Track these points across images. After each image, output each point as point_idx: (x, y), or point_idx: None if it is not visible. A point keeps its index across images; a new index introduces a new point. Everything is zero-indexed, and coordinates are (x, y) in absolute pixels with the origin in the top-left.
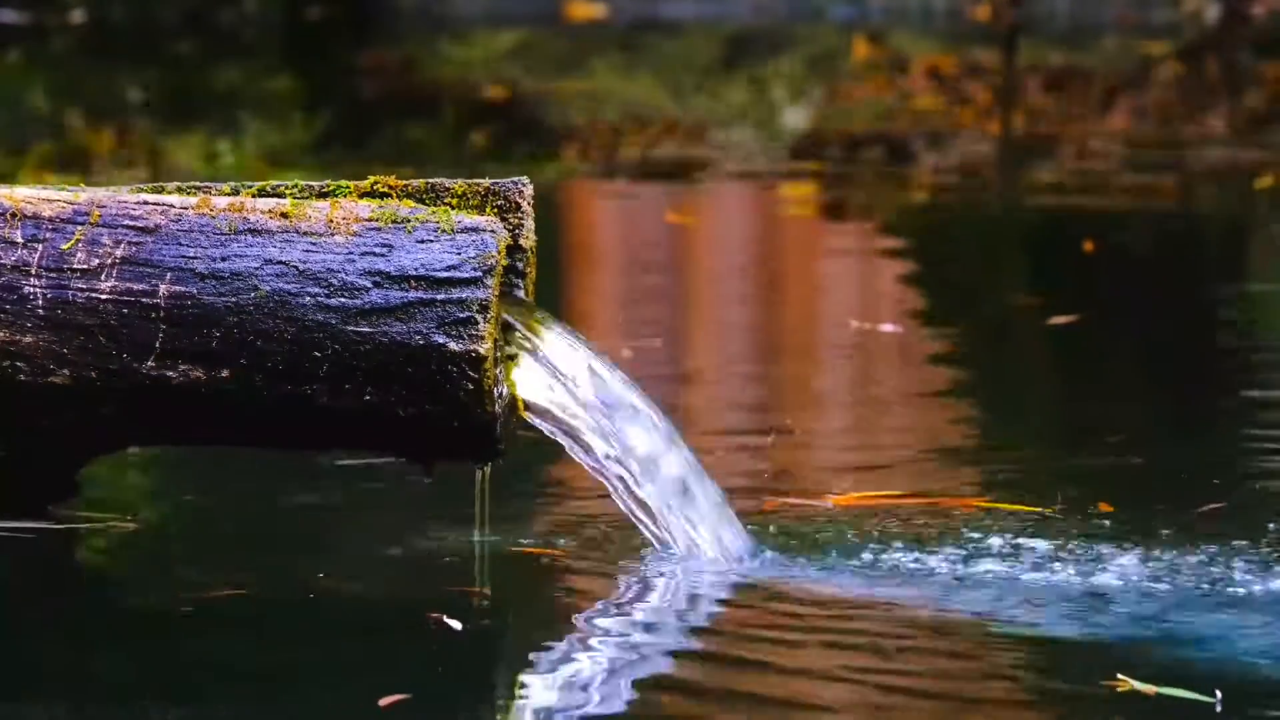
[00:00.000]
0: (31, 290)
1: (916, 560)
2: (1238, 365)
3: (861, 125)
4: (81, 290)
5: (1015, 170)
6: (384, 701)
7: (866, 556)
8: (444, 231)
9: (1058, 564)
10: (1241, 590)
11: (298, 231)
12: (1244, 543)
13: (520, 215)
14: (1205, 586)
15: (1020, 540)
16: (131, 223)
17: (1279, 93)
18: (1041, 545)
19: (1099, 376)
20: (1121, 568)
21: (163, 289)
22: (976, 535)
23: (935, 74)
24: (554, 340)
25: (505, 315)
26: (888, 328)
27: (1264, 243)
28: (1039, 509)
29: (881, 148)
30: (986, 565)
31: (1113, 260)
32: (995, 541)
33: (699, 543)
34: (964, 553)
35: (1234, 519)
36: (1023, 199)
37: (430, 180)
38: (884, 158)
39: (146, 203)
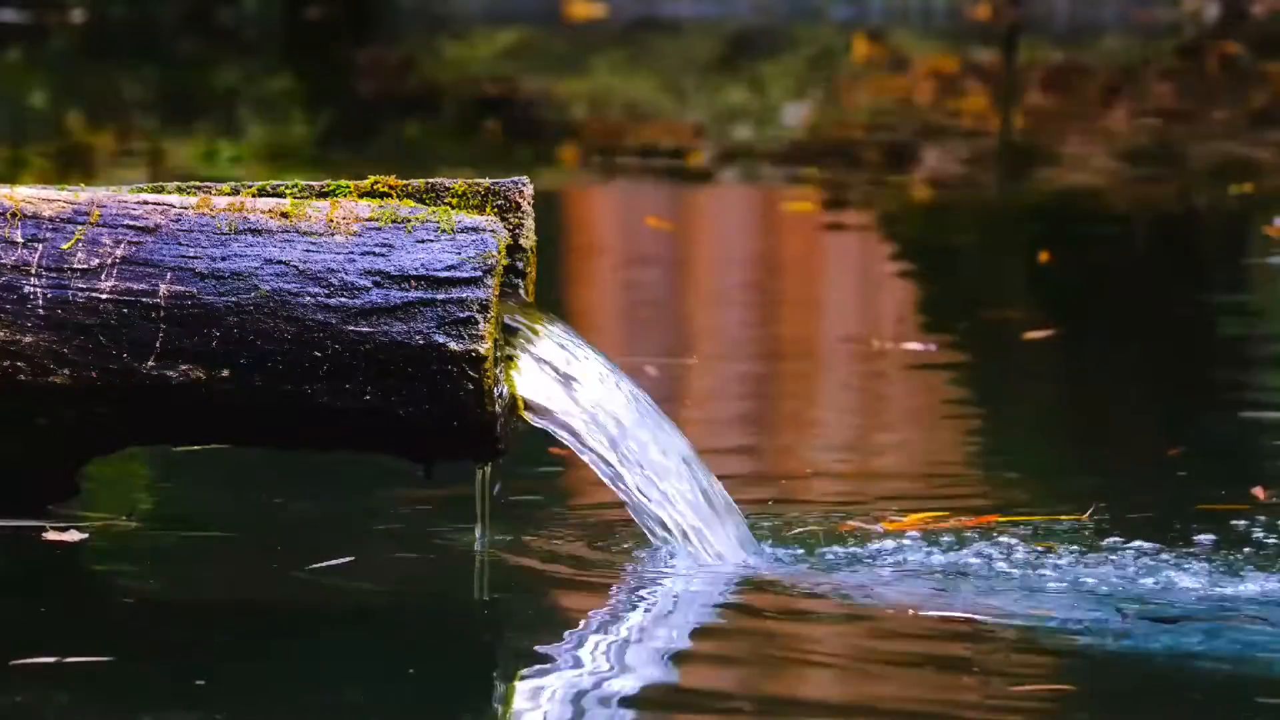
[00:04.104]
0: (31, 290)
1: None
2: (1234, 371)
3: (861, 124)
4: (81, 290)
5: (1013, 171)
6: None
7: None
8: (444, 231)
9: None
10: None
11: (298, 231)
12: None
13: (520, 215)
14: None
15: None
16: (131, 222)
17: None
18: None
19: (1099, 386)
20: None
21: (163, 289)
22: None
23: (935, 73)
24: (554, 340)
25: (505, 315)
26: (915, 346)
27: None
28: (1078, 517)
29: (881, 147)
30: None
31: (1095, 268)
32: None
33: (701, 541)
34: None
35: None
36: (1020, 201)
37: (430, 180)
38: (883, 157)
39: (146, 202)
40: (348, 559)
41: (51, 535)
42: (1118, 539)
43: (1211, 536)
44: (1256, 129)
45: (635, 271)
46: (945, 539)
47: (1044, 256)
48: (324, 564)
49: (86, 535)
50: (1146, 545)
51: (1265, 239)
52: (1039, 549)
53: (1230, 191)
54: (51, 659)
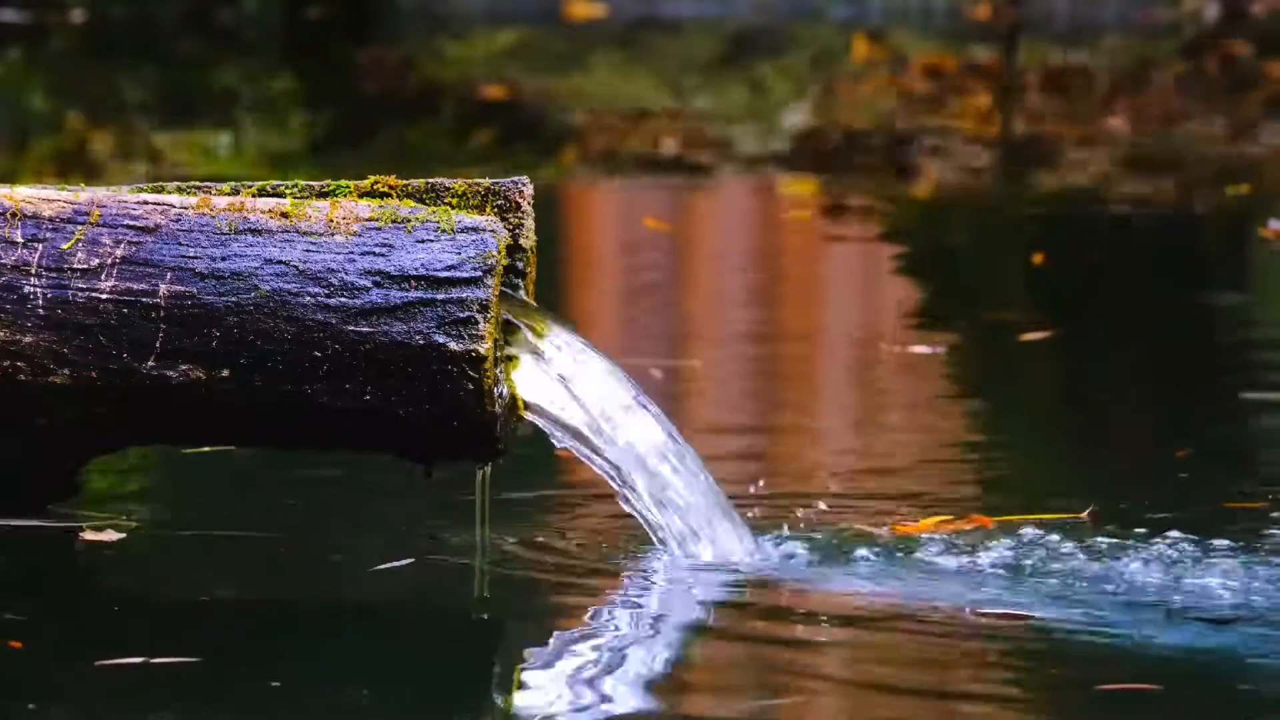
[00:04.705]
0: (31, 290)
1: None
2: (1230, 371)
3: (861, 124)
4: (81, 290)
5: (1013, 172)
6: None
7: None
8: (444, 231)
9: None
10: None
11: (298, 231)
12: None
13: (520, 215)
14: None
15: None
16: (131, 222)
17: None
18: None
19: (1101, 388)
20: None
21: (163, 289)
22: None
23: (935, 73)
24: (554, 339)
25: (505, 315)
26: (924, 349)
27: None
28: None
29: (881, 147)
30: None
31: (1093, 270)
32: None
33: (702, 541)
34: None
35: None
36: (1020, 203)
37: (430, 180)
38: (883, 157)
39: (146, 202)
40: (408, 560)
41: (89, 535)
42: (1144, 539)
43: (1245, 534)
44: (1255, 130)
45: (635, 272)
46: (961, 540)
47: (1038, 258)
48: (386, 565)
49: (124, 535)
50: (1179, 544)
51: (1261, 240)
52: (1070, 547)
53: (1227, 192)
54: (139, 659)
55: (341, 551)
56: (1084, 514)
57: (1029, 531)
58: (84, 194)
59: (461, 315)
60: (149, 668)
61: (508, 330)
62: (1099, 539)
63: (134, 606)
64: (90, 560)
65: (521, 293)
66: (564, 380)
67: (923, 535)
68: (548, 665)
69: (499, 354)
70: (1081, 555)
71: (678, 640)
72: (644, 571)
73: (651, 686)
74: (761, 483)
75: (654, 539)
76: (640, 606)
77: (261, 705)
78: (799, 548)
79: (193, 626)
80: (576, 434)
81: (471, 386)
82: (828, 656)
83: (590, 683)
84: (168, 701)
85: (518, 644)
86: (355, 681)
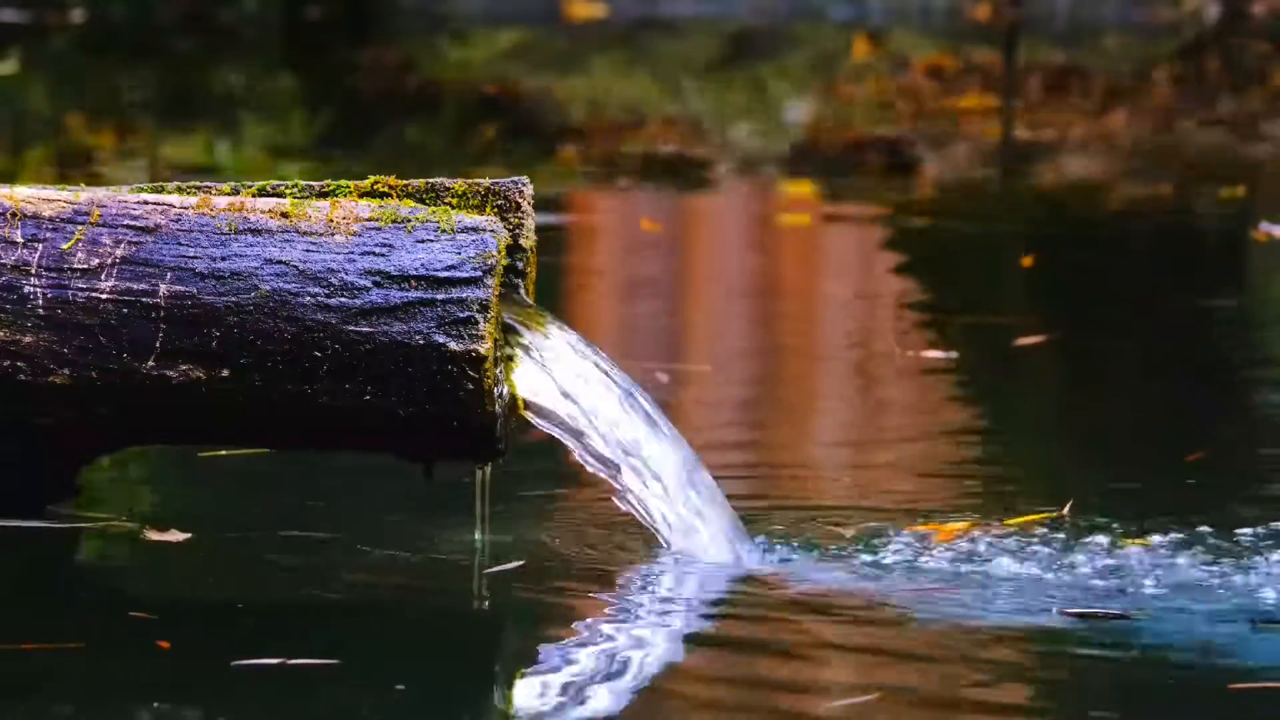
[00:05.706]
0: (31, 290)
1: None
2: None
3: (861, 125)
4: (81, 290)
5: (1013, 171)
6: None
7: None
8: (444, 231)
9: None
10: None
11: (298, 231)
12: None
13: (520, 215)
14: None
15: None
16: (131, 222)
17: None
18: None
19: (1103, 391)
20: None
21: (163, 289)
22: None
23: (935, 73)
24: (554, 339)
25: (505, 315)
26: (924, 353)
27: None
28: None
29: (880, 148)
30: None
31: (1092, 271)
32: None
33: (701, 542)
34: None
35: None
36: (1019, 204)
37: (430, 180)
38: (883, 158)
39: (146, 202)
40: (519, 563)
41: (154, 535)
42: (1187, 545)
43: None
44: (1254, 131)
45: (634, 273)
46: (1005, 542)
47: (1027, 261)
48: (498, 568)
49: (189, 535)
50: (1228, 546)
51: (1253, 243)
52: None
53: (1221, 195)
54: (275, 660)
55: (339, 552)
56: (1063, 510)
57: (1054, 534)
58: (84, 194)
59: (461, 315)
60: (286, 669)
61: (508, 330)
62: (1148, 541)
63: (252, 606)
64: (166, 560)
65: (521, 292)
66: (563, 380)
67: (946, 538)
68: (547, 665)
69: (499, 354)
70: (1135, 558)
71: (677, 641)
72: (644, 572)
73: (651, 687)
74: (770, 490)
75: (655, 539)
76: (640, 607)
77: (258, 705)
78: (801, 550)
79: (314, 627)
80: (577, 434)
81: (471, 386)
82: (826, 655)
83: (590, 683)
84: (318, 702)
85: (518, 644)
86: (352, 681)
